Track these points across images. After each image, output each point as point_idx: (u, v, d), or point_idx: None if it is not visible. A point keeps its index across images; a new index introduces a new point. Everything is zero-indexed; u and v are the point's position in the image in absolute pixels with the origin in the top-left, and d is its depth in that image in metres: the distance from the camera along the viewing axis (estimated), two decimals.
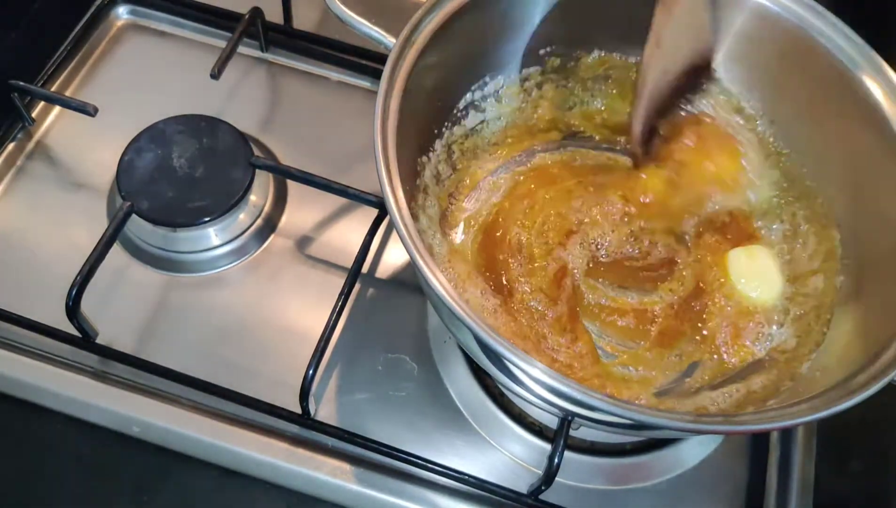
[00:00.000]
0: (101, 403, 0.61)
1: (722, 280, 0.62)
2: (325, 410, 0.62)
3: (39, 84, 0.73)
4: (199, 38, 0.80)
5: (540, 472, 0.58)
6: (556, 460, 0.53)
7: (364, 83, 0.79)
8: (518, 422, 0.62)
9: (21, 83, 0.70)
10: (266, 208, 0.70)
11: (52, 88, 0.75)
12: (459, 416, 0.62)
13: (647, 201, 0.64)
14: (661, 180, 0.64)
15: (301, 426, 0.61)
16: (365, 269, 0.67)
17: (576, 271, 0.61)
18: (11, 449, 0.60)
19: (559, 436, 0.52)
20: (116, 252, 0.65)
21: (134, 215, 0.65)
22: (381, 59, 0.62)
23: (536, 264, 0.61)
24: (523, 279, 0.60)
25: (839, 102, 0.59)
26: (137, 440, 0.60)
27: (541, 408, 0.52)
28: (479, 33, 0.61)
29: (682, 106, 0.66)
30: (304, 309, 0.66)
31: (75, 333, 0.61)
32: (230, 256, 0.68)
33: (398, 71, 0.53)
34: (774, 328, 0.60)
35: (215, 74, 0.70)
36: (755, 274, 0.62)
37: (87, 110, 0.68)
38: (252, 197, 0.69)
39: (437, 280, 0.46)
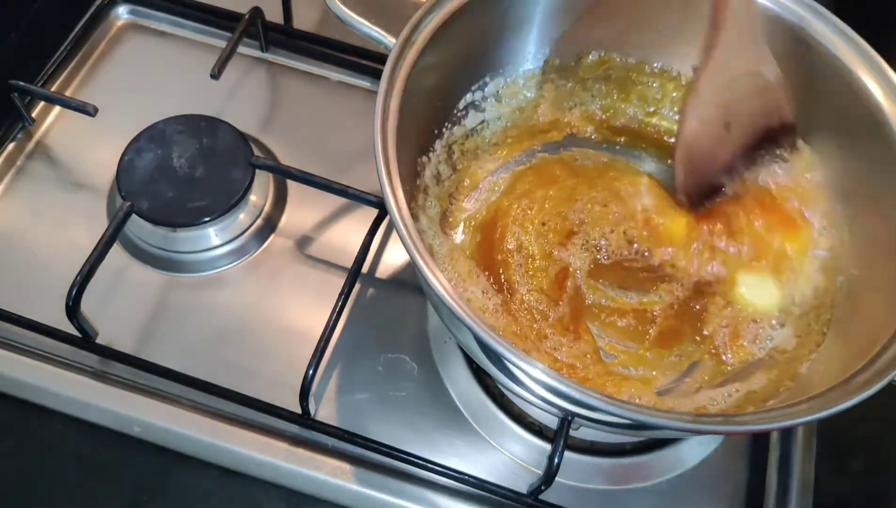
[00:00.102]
0: (101, 403, 0.61)
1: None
2: (325, 410, 0.62)
3: (39, 84, 0.73)
4: (199, 38, 0.80)
5: (540, 472, 0.58)
6: (555, 460, 0.53)
7: (364, 83, 0.79)
8: (518, 422, 0.62)
9: (21, 83, 0.70)
10: (266, 208, 0.70)
11: (52, 88, 0.75)
12: (459, 416, 0.62)
13: (665, 246, 0.60)
14: (682, 226, 0.61)
15: (301, 426, 0.61)
16: (365, 269, 0.67)
17: (578, 271, 0.61)
18: (11, 449, 0.60)
19: (559, 436, 0.52)
20: (116, 252, 0.65)
21: (134, 215, 0.65)
22: (381, 59, 0.62)
23: (537, 265, 0.61)
24: (524, 280, 0.60)
25: (839, 103, 0.59)
26: (137, 440, 0.60)
27: (541, 408, 0.52)
28: (479, 33, 0.61)
29: (749, 169, 0.61)
30: (304, 309, 0.66)
31: (75, 333, 0.61)
32: (230, 256, 0.68)
33: (398, 71, 0.53)
34: (774, 328, 0.60)
35: (215, 74, 0.70)
36: (756, 281, 0.62)
37: (87, 110, 0.68)
38: (252, 197, 0.69)
39: (437, 280, 0.46)
